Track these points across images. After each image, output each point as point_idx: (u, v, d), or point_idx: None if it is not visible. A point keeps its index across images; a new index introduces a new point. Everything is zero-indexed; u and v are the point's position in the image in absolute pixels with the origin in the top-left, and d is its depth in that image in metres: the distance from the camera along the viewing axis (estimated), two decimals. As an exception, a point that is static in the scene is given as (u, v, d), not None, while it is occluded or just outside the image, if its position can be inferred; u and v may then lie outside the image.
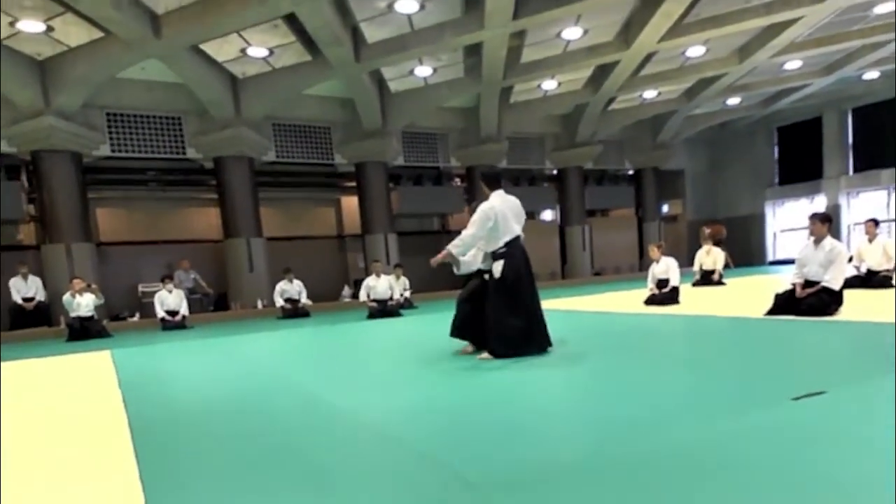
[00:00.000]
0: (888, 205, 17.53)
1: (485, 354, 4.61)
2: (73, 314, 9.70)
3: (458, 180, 16.98)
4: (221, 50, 10.69)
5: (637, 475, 1.98)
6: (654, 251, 9.08)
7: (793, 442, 2.21)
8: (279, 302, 11.41)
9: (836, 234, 11.16)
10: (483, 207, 4.64)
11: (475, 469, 2.13)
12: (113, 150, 11.95)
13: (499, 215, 4.58)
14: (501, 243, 4.62)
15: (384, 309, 10.23)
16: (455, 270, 4.99)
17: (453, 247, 4.66)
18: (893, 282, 8.49)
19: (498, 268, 4.59)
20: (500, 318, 4.55)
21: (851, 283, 7.86)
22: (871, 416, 2.49)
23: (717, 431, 2.39)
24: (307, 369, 5.21)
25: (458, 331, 5.00)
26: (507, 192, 4.79)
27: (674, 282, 8.57)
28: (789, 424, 2.44)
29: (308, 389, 4.03)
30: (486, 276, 4.79)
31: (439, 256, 4.74)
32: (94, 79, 10.48)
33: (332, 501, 1.95)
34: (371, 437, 2.70)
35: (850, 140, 18.19)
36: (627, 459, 2.14)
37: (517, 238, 4.69)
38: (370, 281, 10.56)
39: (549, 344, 4.68)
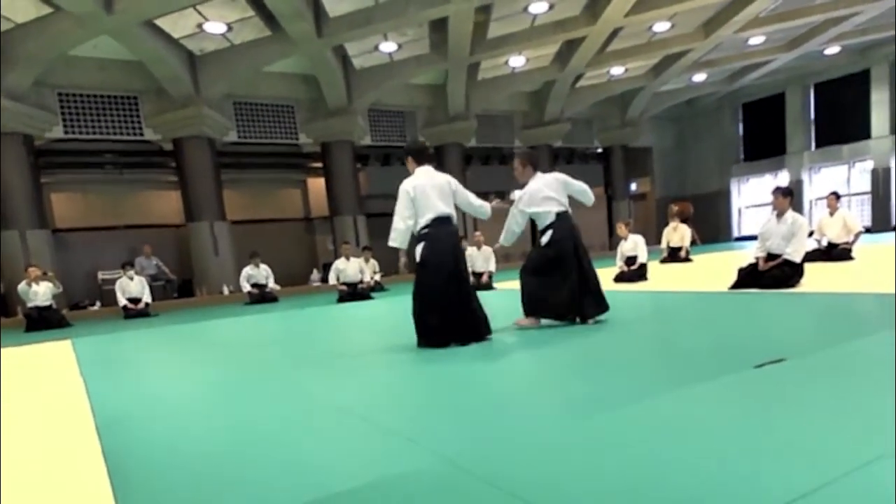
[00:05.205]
0: (848, 180, 17.98)
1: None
2: (30, 304, 9.40)
3: (426, 160, 16.77)
4: (177, 25, 10.29)
5: (606, 445, 1.96)
6: (621, 229, 9.16)
7: (754, 407, 2.27)
8: (246, 287, 11.19)
9: (799, 210, 11.40)
10: (402, 187, 4.31)
11: (451, 448, 2.09)
12: (66, 132, 11.49)
13: (416, 193, 4.23)
14: (422, 223, 4.22)
15: (354, 292, 10.11)
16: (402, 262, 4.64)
17: (391, 240, 4.27)
18: (853, 254, 8.70)
19: (417, 251, 4.23)
20: (414, 307, 4.23)
21: (812, 256, 8.04)
22: (828, 380, 2.54)
23: (682, 400, 2.41)
24: (276, 355, 5.10)
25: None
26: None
27: (642, 259, 8.66)
28: (751, 391, 2.49)
29: (279, 374, 3.92)
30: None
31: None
32: (43, 57, 10.03)
33: (311, 483, 1.88)
34: (348, 422, 2.63)
35: (813, 116, 18.54)
36: (596, 431, 2.13)
37: (444, 219, 4.22)
38: (339, 264, 10.41)
39: (487, 333, 4.26)
